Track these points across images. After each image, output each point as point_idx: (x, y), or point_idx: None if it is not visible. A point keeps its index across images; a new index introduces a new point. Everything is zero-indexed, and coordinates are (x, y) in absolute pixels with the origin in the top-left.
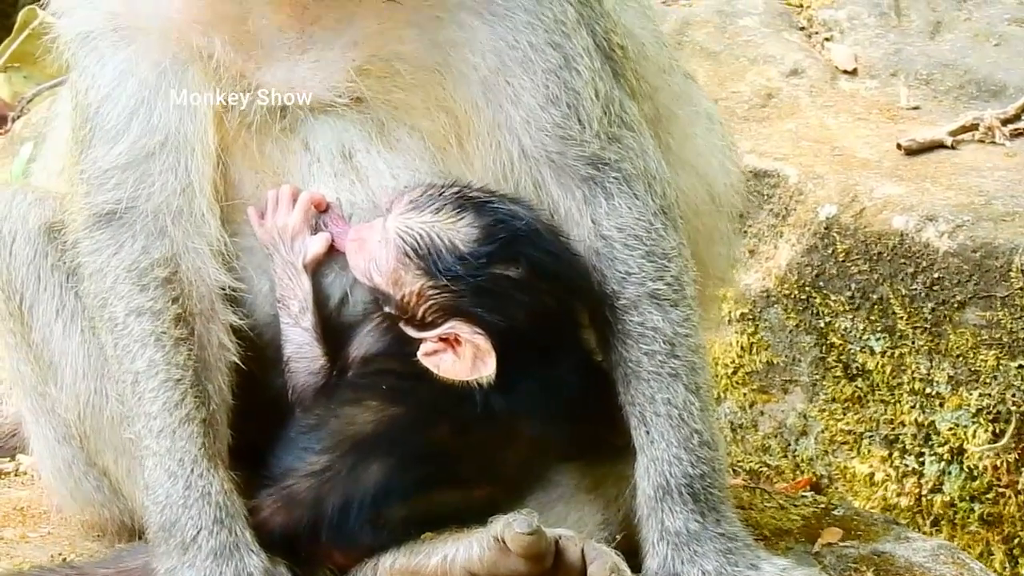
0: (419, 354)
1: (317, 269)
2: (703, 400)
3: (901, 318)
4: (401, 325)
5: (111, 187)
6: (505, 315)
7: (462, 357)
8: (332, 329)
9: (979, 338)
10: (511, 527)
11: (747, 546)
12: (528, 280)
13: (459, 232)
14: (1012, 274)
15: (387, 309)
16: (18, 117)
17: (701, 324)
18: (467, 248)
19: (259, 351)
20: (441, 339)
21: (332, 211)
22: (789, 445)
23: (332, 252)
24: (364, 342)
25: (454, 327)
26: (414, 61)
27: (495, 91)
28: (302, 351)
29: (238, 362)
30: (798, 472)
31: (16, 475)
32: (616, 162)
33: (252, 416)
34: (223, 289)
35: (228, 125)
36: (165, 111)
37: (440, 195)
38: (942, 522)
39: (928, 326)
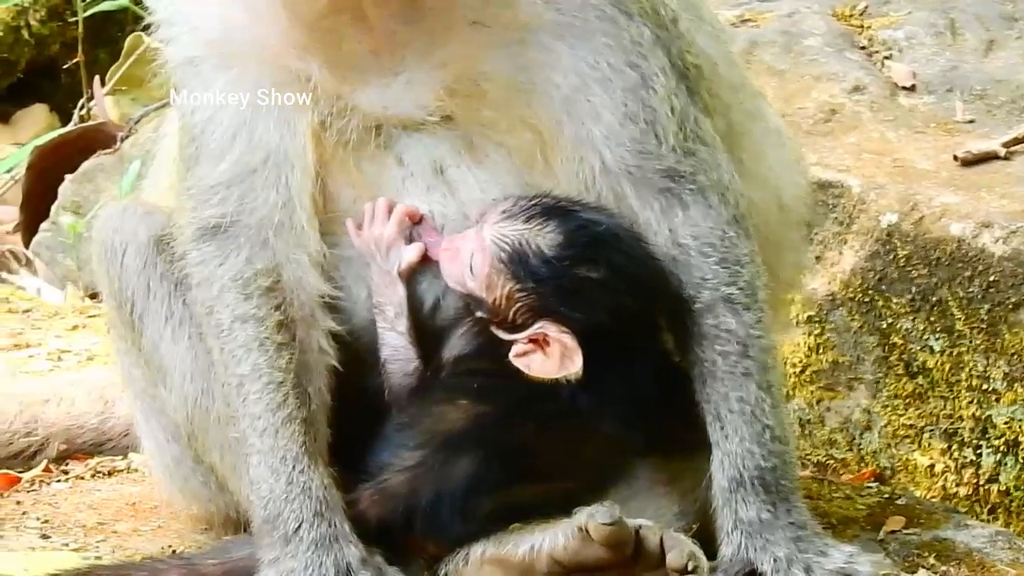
0: (511, 355)
1: (411, 277)
2: (774, 397)
3: (959, 319)
4: (492, 328)
5: (216, 202)
6: (589, 315)
7: (551, 356)
8: (426, 333)
9: None
10: (594, 518)
11: (816, 534)
12: (608, 281)
13: (545, 238)
14: None
15: (479, 314)
16: (126, 137)
17: (772, 326)
18: (552, 252)
19: (357, 355)
20: (531, 340)
21: (425, 222)
22: (854, 439)
23: (425, 261)
24: (456, 345)
25: (542, 327)
26: (499, 81)
27: (577, 109)
28: (397, 354)
29: (337, 365)
30: (863, 464)
31: (128, 472)
32: (691, 174)
33: (350, 416)
34: (322, 297)
35: (326, 143)
36: (266, 131)
37: (530, 205)
38: (998, 510)
39: (984, 326)
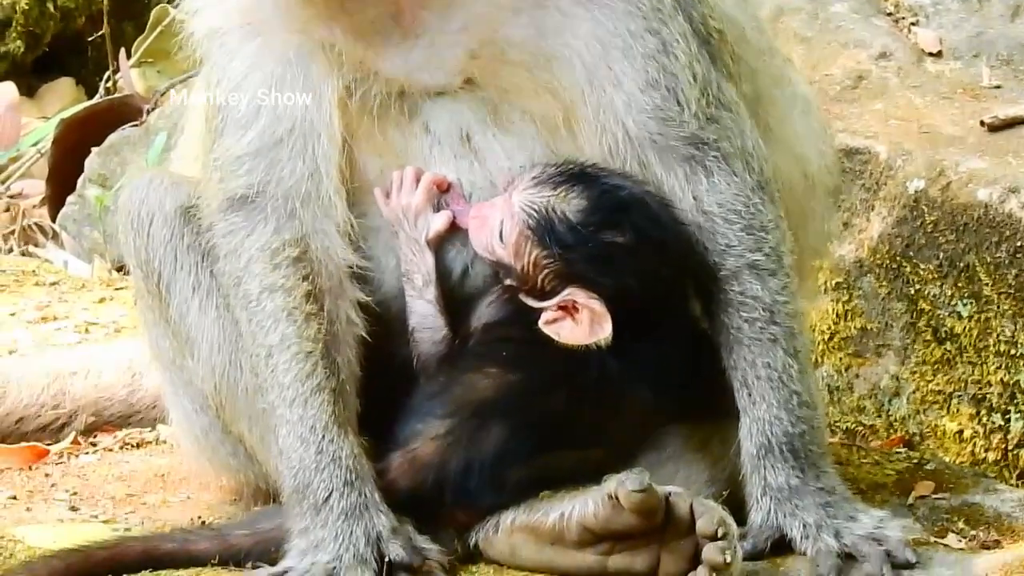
0: (540, 322)
1: (440, 245)
2: (801, 363)
3: (987, 284)
4: (521, 296)
5: (243, 173)
6: (617, 280)
7: (580, 322)
8: (454, 301)
9: None
10: (624, 485)
11: (845, 499)
12: (635, 246)
13: (571, 204)
14: None
15: (507, 281)
16: (152, 109)
17: (799, 293)
18: (578, 218)
19: (385, 325)
20: (560, 307)
21: (453, 190)
22: (883, 405)
23: (453, 229)
24: (485, 313)
25: (571, 294)
26: (521, 46)
27: (598, 76)
28: (426, 322)
29: (365, 336)
30: (891, 430)
31: (157, 444)
32: (715, 141)
33: (379, 385)
34: (351, 267)
35: (352, 111)
36: (291, 100)
37: (557, 172)
38: None
39: (1012, 291)
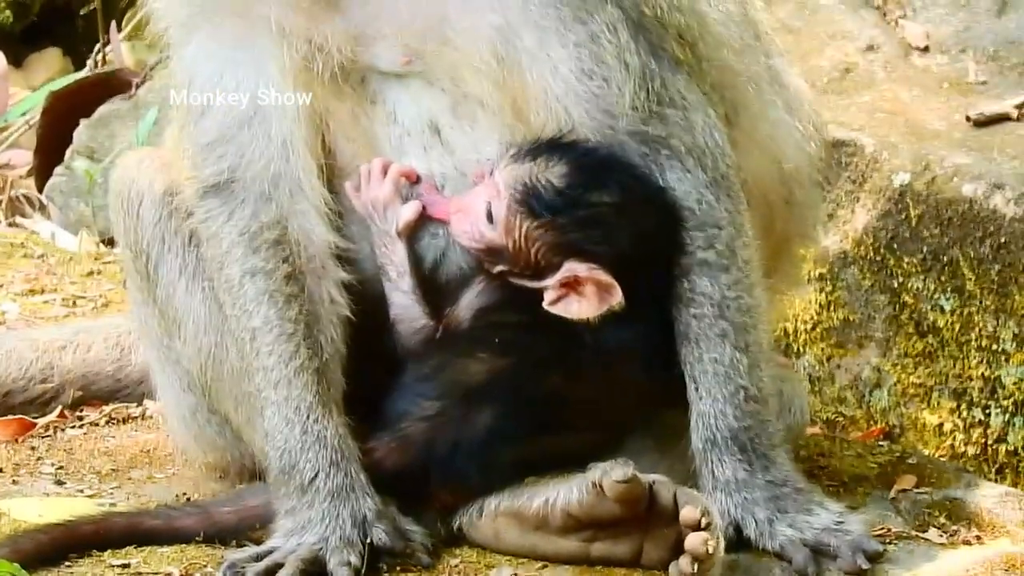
0: (544, 303)
1: (412, 235)
2: (752, 356)
3: (970, 279)
4: (516, 280)
5: (213, 161)
6: (612, 243)
7: (587, 295)
8: (431, 290)
9: None
10: (608, 475)
11: (798, 491)
12: (622, 203)
13: (554, 171)
14: None
15: (498, 268)
16: (142, 83)
17: (757, 285)
18: (563, 183)
19: (370, 304)
20: (562, 284)
21: (425, 182)
22: (864, 397)
23: (424, 218)
24: (473, 302)
25: (570, 269)
26: (459, 27)
27: (538, 62)
28: (405, 313)
29: (350, 316)
30: (872, 422)
31: (143, 419)
32: (664, 138)
33: (366, 365)
34: (331, 248)
35: (316, 91)
36: (246, 82)
37: (534, 146)
38: (1006, 470)
39: (995, 287)
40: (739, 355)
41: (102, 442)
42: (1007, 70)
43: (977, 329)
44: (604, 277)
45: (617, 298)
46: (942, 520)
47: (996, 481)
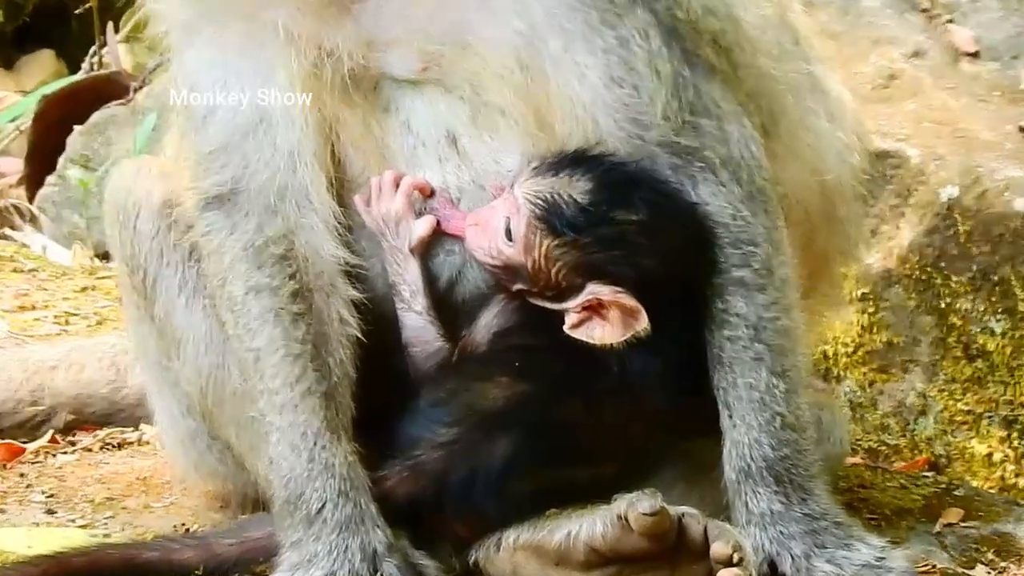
0: (566, 327)
1: (426, 252)
2: (790, 382)
3: (1022, 300)
4: (535, 300)
5: (216, 170)
6: (638, 265)
7: (611, 320)
8: (446, 311)
9: None
10: (635, 507)
11: (837, 524)
12: (647, 221)
13: (576, 187)
14: None
15: (517, 287)
16: (140, 87)
17: (795, 306)
18: (586, 199)
19: (381, 325)
20: (584, 308)
21: (440, 195)
22: (908, 424)
23: (439, 233)
24: (492, 323)
25: (593, 291)
26: (481, 32)
27: (563, 69)
28: (419, 335)
29: (360, 336)
30: (916, 451)
31: (139, 444)
32: (697, 150)
33: (376, 389)
34: (341, 264)
35: (325, 98)
36: (251, 88)
37: (557, 159)
38: None
39: None
40: (776, 380)
41: (96, 469)
42: None
43: None
44: (629, 301)
45: (643, 323)
46: (990, 556)
47: None
